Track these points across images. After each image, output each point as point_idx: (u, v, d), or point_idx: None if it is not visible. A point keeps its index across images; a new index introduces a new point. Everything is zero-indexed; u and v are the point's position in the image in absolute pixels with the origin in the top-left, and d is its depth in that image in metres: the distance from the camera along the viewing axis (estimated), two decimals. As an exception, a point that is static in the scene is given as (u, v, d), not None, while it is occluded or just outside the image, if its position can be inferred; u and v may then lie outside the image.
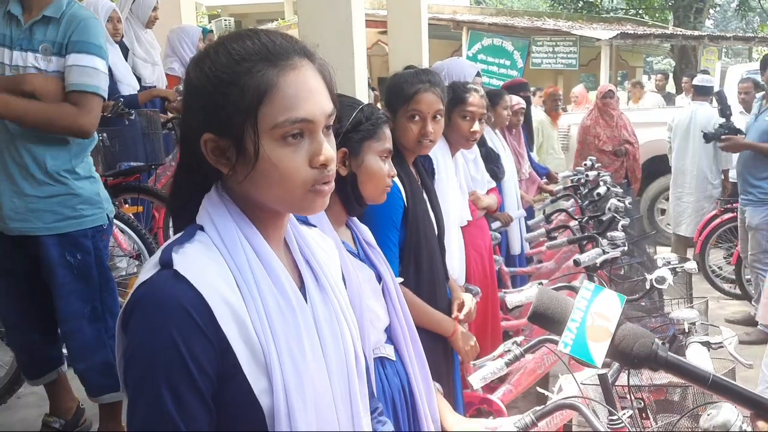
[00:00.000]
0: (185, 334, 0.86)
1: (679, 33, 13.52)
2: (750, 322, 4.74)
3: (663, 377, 2.00)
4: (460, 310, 2.22)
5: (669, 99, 10.82)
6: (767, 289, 2.95)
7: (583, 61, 13.20)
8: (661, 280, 2.20)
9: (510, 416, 1.71)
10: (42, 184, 2.45)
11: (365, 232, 1.72)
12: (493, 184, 3.39)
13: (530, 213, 4.80)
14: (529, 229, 4.24)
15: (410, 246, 2.04)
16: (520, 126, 4.61)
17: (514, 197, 4.01)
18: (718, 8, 26.36)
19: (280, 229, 1.03)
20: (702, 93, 5.80)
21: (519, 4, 28.00)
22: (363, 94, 3.41)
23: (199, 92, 0.95)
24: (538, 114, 6.38)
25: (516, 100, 4.41)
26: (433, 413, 1.67)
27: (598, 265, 2.64)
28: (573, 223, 3.72)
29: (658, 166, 6.76)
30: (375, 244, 1.72)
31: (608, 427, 1.66)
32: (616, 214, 3.16)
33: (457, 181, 2.75)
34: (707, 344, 1.83)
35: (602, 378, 1.76)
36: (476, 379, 1.73)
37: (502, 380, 2.56)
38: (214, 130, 0.93)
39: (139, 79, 4.49)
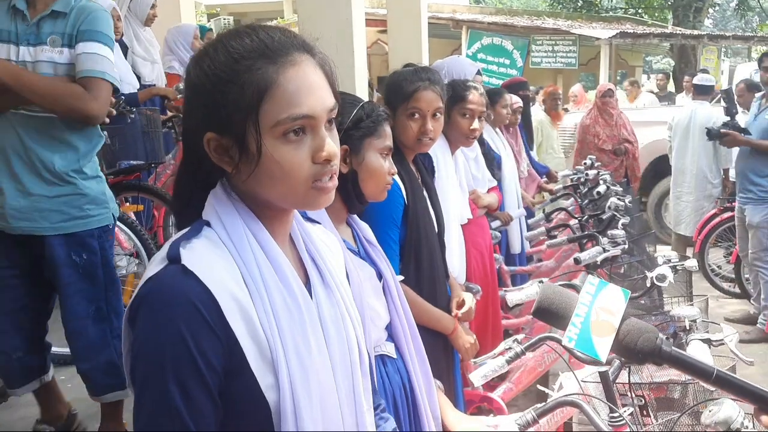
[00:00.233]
0: (193, 329, 0.86)
1: (678, 32, 13.54)
2: (749, 320, 4.75)
3: (664, 374, 2.00)
4: (459, 308, 2.21)
5: (669, 98, 10.84)
6: None
7: (582, 61, 13.22)
8: (662, 277, 2.20)
9: (510, 414, 1.71)
10: (50, 184, 2.42)
11: (365, 229, 1.71)
12: (494, 183, 3.39)
13: (529, 212, 4.81)
14: (529, 228, 4.24)
15: (410, 244, 2.03)
16: (518, 125, 4.63)
17: (515, 196, 4.01)
18: (717, 7, 26.34)
19: (286, 226, 1.03)
20: (702, 92, 5.80)
21: (518, 4, 27.99)
22: (363, 93, 3.41)
23: (199, 91, 0.95)
24: (537, 113, 6.39)
25: (514, 99, 4.43)
26: (434, 410, 1.67)
27: (598, 263, 2.64)
28: (573, 222, 3.72)
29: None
30: (375, 242, 1.71)
31: (609, 425, 1.66)
32: (616, 213, 3.17)
33: (457, 179, 2.74)
34: (708, 341, 1.83)
35: (603, 375, 1.76)
36: (477, 377, 1.73)
37: (502, 378, 2.57)
38: (215, 128, 0.93)
39: (138, 78, 4.47)
